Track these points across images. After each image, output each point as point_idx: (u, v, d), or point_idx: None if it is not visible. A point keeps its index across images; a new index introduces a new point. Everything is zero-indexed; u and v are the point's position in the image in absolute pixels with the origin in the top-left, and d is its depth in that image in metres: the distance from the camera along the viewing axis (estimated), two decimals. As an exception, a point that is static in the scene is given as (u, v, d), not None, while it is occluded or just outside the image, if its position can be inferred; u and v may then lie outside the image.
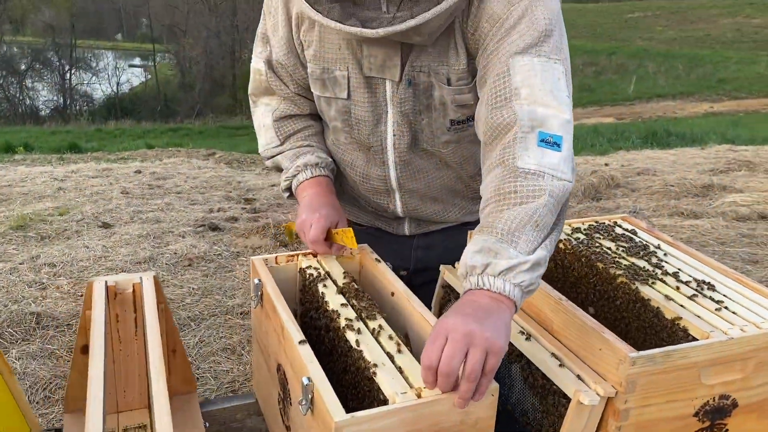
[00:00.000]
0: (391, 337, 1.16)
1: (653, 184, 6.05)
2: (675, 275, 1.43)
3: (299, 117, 1.58)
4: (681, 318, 1.26)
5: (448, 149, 1.48)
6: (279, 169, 1.61)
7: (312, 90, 1.50)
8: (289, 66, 1.49)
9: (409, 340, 1.26)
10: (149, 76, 41.99)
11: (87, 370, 1.06)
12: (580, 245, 1.56)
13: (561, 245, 1.59)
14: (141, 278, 1.38)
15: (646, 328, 1.34)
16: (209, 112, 30.87)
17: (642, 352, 1.12)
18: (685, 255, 1.54)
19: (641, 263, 1.48)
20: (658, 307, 1.31)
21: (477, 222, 1.23)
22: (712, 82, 25.23)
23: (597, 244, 1.57)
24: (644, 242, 1.60)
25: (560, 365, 1.21)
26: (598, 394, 1.13)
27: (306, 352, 1.11)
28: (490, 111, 1.25)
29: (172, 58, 41.53)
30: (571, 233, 1.63)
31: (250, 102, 1.65)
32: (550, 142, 1.20)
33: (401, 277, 1.38)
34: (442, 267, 1.57)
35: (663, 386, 1.16)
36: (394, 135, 1.45)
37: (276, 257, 1.43)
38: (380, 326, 1.18)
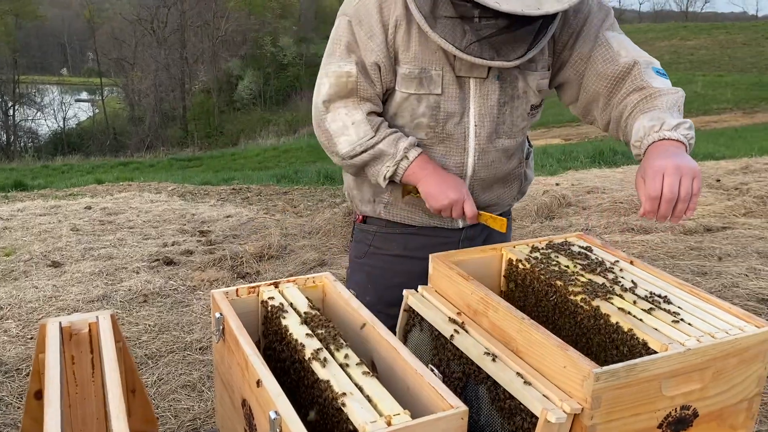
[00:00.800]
0: (358, 366, 1.15)
1: (603, 201, 6.20)
2: (632, 290, 1.46)
3: (380, 114, 1.71)
4: (640, 331, 1.29)
5: (521, 136, 1.76)
6: (362, 168, 1.68)
7: (402, 90, 1.65)
8: (385, 68, 1.63)
9: (376, 368, 1.25)
10: (97, 111, 41.24)
11: (42, 416, 1.01)
12: (539, 264, 1.58)
13: (520, 265, 1.61)
14: (97, 317, 1.34)
15: (607, 344, 1.36)
16: (160, 144, 30.43)
17: (605, 368, 1.14)
18: (640, 270, 1.58)
19: (599, 279, 1.51)
20: (617, 322, 1.34)
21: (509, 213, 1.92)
22: (653, 102, 26.04)
23: (555, 262, 1.60)
24: (600, 259, 1.63)
25: (526, 384, 1.22)
26: (564, 412, 1.14)
27: (272, 386, 1.09)
28: (606, 68, 1.62)
29: (121, 92, 40.94)
30: (530, 252, 1.66)
31: (321, 109, 1.68)
32: (662, 73, 1.62)
33: None
34: (405, 291, 1.57)
35: (627, 400, 1.18)
36: (475, 125, 1.67)
37: (237, 290, 1.41)
38: (346, 355, 1.18)
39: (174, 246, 5.21)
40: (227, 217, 6.32)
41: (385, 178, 1.64)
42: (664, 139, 1.44)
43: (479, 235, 1.86)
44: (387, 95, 1.70)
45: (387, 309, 1.70)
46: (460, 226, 1.84)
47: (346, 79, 1.63)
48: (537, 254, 1.64)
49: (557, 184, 7.23)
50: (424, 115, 1.66)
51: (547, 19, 1.52)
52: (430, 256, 1.60)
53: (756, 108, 23.52)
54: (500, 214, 1.83)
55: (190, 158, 22.17)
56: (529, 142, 1.93)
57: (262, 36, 41.95)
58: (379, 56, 1.62)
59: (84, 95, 48.34)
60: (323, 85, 1.66)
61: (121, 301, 4.01)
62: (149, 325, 3.68)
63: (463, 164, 1.71)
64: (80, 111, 42.90)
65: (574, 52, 1.67)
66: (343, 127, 1.65)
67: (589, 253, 1.66)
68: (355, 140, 1.64)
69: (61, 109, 39.09)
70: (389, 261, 1.85)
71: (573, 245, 1.72)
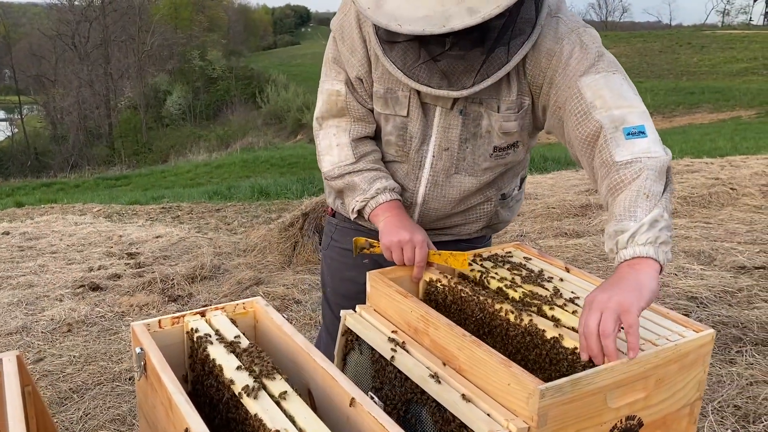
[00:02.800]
0: (292, 398, 1.07)
1: (536, 207, 6.31)
2: (571, 300, 1.44)
3: (370, 140, 1.72)
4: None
5: (486, 176, 1.67)
6: (341, 192, 1.71)
7: (375, 107, 1.67)
8: (367, 82, 1.64)
9: (313, 397, 1.18)
10: (16, 130, 39.40)
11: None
12: (481, 277, 1.55)
13: (459, 286, 1.57)
14: (1, 360, 1.21)
15: (544, 357, 1.33)
16: (85, 164, 29.31)
17: (550, 384, 1.11)
18: (577, 278, 1.57)
19: (538, 290, 1.48)
20: (555, 337, 1.31)
21: (478, 239, 1.84)
22: (579, 108, 27.01)
23: (493, 274, 1.56)
24: (539, 269, 1.61)
25: (470, 404, 1.17)
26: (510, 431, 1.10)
27: (198, 426, 1.00)
28: (576, 128, 1.44)
29: (41, 110, 39.31)
30: (469, 264, 1.62)
31: (315, 125, 1.75)
32: (635, 133, 1.39)
33: None
34: (342, 312, 1.51)
35: (573, 415, 1.15)
36: (433, 156, 1.64)
37: (159, 321, 1.30)
38: (280, 387, 1.10)
39: (100, 270, 4.96)
40: (157, 237, 6.08)
41: (353, 210, 1.67)
42: (620, 264, 1.28)
43: None
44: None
45: (342, 301, 1.78)
46: None
47: (336, 98, 1.67)
48: (475, 266, 1.61)
49: (491, 192, 7.32)
50: (391, 134, 1.66)
51: (494, 45, 1.41)
52: (368, 273, 1.55)
53: (674, 112, 24.70)
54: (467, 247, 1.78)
55: (118, 177, 21.40)
56: (521, 185, 1.85)
57: (189, 50, 41.19)
58: (360, 71, 1.63)
59: (1, 114, 46.14)
60: (318, 102, 1.73)
61: (42, 332, 3.77)
62: (74, 357, 3.46)
63: (415, 191, 1.69)
64: (-3, 131, 40.92)
65: (550, 99, 1.52)
66: (329, 147, 1.70)
67: (527, 264, 1.64)
68: (336, 161, 1.68)
69: (-24, 129, 37.16)
70: (343, 254, 1.88)
71: (511, 256, 1.69)
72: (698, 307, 3.64)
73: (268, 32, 72.41)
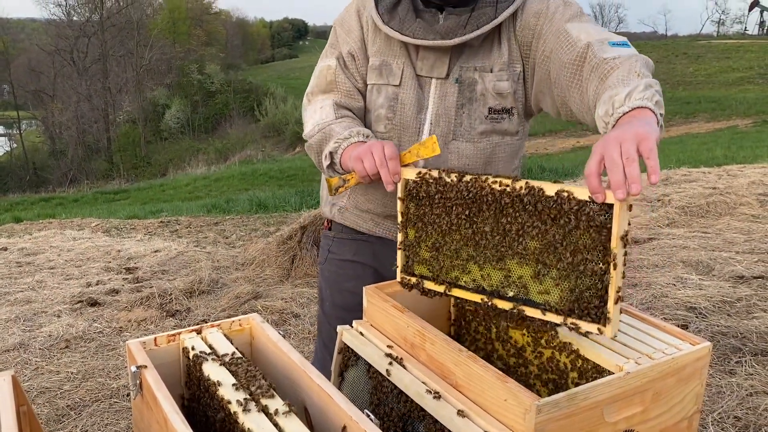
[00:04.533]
0: (288, 416, 1.07)
1: (535, 218, 6.31)
2: (568, 313, 1.44)
3: (354, 114, 1.74)
4: (580, 357, 1.26)
5: (482, 143, 1.69)
6: (319, 147, 1.67)
7: (369, 81, 1.73)
8: (360, 59, 1.73)
9: (309, 415, 1.17)
10: (15, 145, 39.47)
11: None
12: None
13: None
14: (-4, 380, 1.21)
15: (547, 372, 1.33)
16: (84, 178, 29.32)
17: (546, 399, 1.10)
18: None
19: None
20: (555, 350, 1.31)
21: None
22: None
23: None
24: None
25: (467, 420, 1.17)
26: (508, 448, 1.09)
27: (194, 445, 1.00)
28: (565, 56, 1.52)
29: (40, 125, 39.39)
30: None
31: (305, 101, 1.79)
32: (620, 43, 1.48)
33: None
34: (339, 328, 1.50)
35: (570, 430, 1.14)
36: (431, 123, 1.68)
37: (155, 338, 1.30)
38: (276, 405, 1.09)
39: (98, 285, 4.96)
40: (155, 251, 6.08)
41: (326, 156, 1.63)
42: (618, 119, 1.29)
43: None
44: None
45: (342, 313, 1.80)
46: None
47: (326, 72, 1.75)
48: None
49: (489, 203, 7.32)
50: (382, 106, 1.71)
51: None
52: (364, 288, 1.54)
53: (671, 122, 24.76)
54: None
55: (117, 191, 21.41)
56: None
57: (188, 64, 41.31)
58: (353, 47, 1.73)
59: (0, 129, 46.22)
60: (311, 81, 1.79)
61: (40, 348, 3.76)
62: (72, 373, 3.45)
63: (416, 162, 1.67)
64: (-4, 146, 40.99)
65: (538, 51, 1.63)
66: (313, 112, 1.74)
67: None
68: (315, 121, 1.71)
69: (-25, 144, 37.23)
70: (342, 266, 1.90)
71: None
72: (697, 317, 3.64)
73: (265, 46, 72.68)
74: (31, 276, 5.36)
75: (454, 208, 1.35)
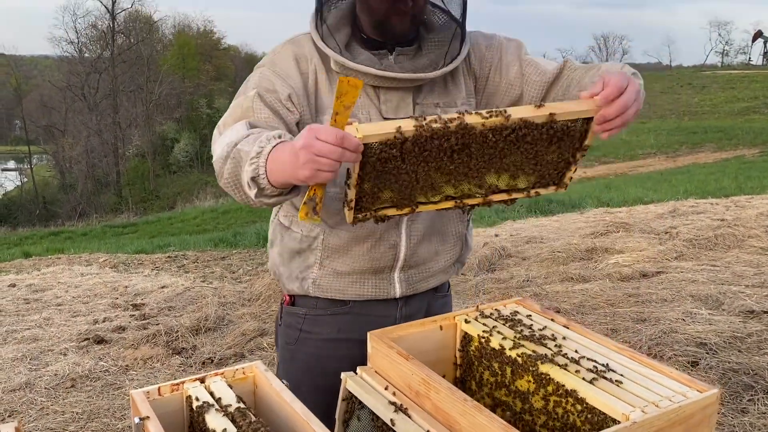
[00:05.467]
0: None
1: (541, 251, 6.29)
2: (573, 360, 1.42)
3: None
4: (586, 405, 1.25)
5: None
6: (235, 180, 1.39)
7: None
8: (301, 105, 1.57)
9: (312, 467, 1.16)
10: (26, 179, 39.89)
11: None
12: (484, 336, 1.54)
13: (472, 341, 1.56)
14: None
15: (553, 419, 1.32)
16: (93, 212, 29.51)
17: (552, 451, 1.09)
18: (579, 336, 1.56)
19: (541, 350, 1.47)
20: (560, 397, 1.29)
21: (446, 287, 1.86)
22: (582, 150, 27.21)
23: (497, 332, 1.55)
24: (542, 326, 1.60)
25: (473, 473, 1.15)
26: (513, 502, 1.08)
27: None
28: (541, 76, 1.65)
29: (50, 159, 39.83)
30: (474, 323, 1.61)
31: (215, 135, 1.52)
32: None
33: None
34: (343, 375, 1.49)
35: (577, 483, 1.12)
36: None
37: (159, 388, 1.30)
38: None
39: (105, 322, 4.96)
40: (162, 287, 6.08)
41: (248, 184, 1.33)
42: (620, 71, 1.47)
43: (418, 312, 1.78)
44: None
45: (325, 399, 1.52)
46: (397, 294, 1.74)
47: (242, 101, 1.54)
48: (478, 325, 1.60)
49: (496, 235, 7.32)
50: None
51: (456, 31, 1.61)
52: (368, 334, 1.53)
53: (678, 152, 24.81)
54: (440, 293, 1.85)
55: (125, 224, 21.53)
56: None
57: (197, 98, 41.85)
58: (291, 92, 1.56)
59: (11, 164, 46.78)
60: (223, 116, 1.57)
61: (46, 388, 3.75)
62: (77, 413, 3.44)
63: (399, 221, 1.65)
64: (7, 180, 41.43)
65: (502, 80, 1.70)
66: (222, 140, 1.45)
67: (530, 321, 1.63)
68: (225, 141, 1.42)
69: (-15, 179, 37.65)
70: (322, 346, 1.73)
71: (514, 313, 1.68)
72: (707, 353, 3.60)
73: (273, 79, 73.49)
74: (38, 313, 5.37)
75: (434, 153, 1.32)
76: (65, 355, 4.27)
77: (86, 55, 40.04)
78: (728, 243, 5.98)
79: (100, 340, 4.48)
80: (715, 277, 4.98)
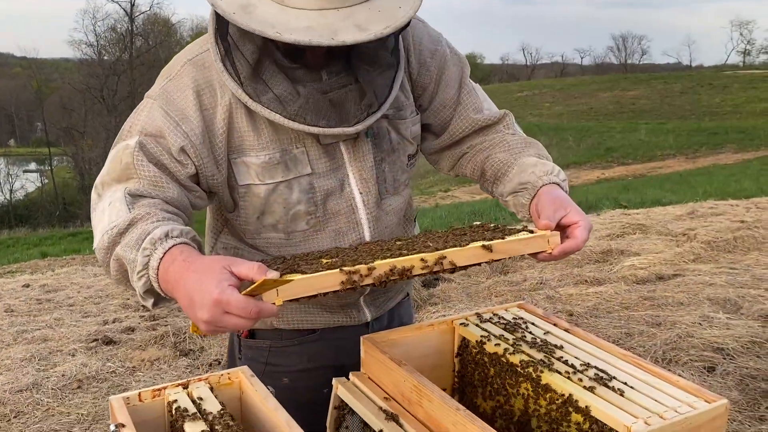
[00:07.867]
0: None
1: (556, 253, 6.19)
2: (573, 366, 1.36)
3: (158, 198, 1.28)
4: (587, 414, 1.19)
5: (405, 191, 1.60)
6: (128, 285, 1.22)
7: (268, 181, 1.39)
8: (196, 155, 1.33)
9: (295, 478, 1.11)
10: (46, 181, 40.44)
11: None
12: (482, 340, 1.48)
13: (469, 345, 1.50)
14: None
15: (552, 428, 1.25)
16: (111, 213, 29.76)
17: (546, 466, 1.03)
18: (582, 341, 1.49)
19: (541, 356, 1.40)
20: (561, 405, 1.23)
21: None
22: (600, 151, 27.00)
23: (497, 334, 1.49)
24: (543, 331, 1.54)
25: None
26: None
27: None
28: (477, 114, 1.58)
29: (70, 161, 40.33)
30: (473, 327, 1.55)
31: (93, 197, 1.32)
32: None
33: None
34: (335, 381, 1.44)
35: (574, 499, 1.06)
36: (360, 193, 1.48)
37: (139, 394, 1.25)
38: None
39: (115, 323, 4.95)
40: (174, 288, 6.08)
41: (143, 297, 1.20)
42: (554, 183, 1.45)
43: (388, 326, 1.68)
44: (243, 195, 1.42)
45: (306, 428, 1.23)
46: (368, 319, 1.63)
47: (122, 152, 1.30)
48: (479, 329, 1.54)
49: (510, 238, 7.22)
50: (299, 201, 1.41)
51: (387, 66, 1.39)
52: (362, 338, 1.48)
53: (697, 153, 24.48)
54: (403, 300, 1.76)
55: (142, 225, 21.64)
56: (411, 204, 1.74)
57: (214, 100, 42.11)
58: (187, 140, 1.32)
59: (32, 165, 47.43)
60: (103, 169, 1.34)
61: (52, 389, 3.74)
62: (82, 415, 3.42)
63: (361, 238, 1.49)
64: (28, 182, 42.02)
65: (436, 97, 1.57)
66: (101, 213, 1.26)
67: (532, 326, 1.57)
68: (105, 226, 1.22)
69: (7, 180, 38.23)
70: (293, 378, 1.58)
71: (516, 318, 1.62)
72: (725, 359, 3.50)
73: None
74: (49, 313, 5.39)
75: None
76: (73, 355, 4.27)
77: (105, 57, 40.49)
78: (748, 245, 5.84)
79: (108, 341, 4.47)
80: (733, 280, 4.85)
